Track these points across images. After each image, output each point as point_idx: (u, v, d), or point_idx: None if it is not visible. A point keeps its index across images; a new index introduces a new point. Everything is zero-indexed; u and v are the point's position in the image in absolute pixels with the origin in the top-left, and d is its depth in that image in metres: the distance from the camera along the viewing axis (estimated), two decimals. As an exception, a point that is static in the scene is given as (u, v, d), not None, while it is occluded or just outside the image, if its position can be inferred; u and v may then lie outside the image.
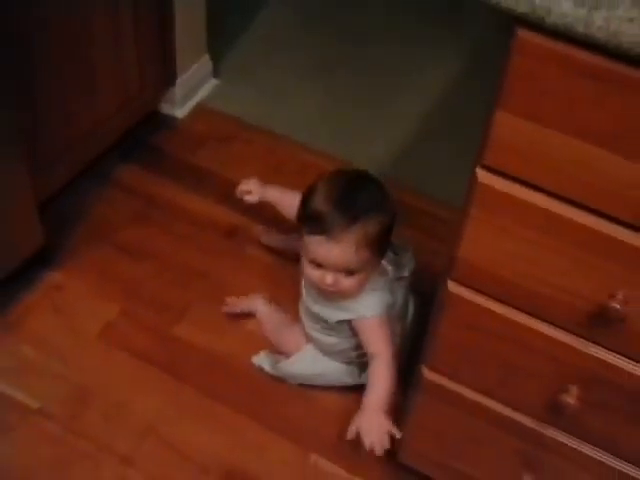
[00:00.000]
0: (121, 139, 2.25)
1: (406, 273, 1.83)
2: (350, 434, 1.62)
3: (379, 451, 1.59)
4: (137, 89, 2.21)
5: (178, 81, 2.37)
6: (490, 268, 1.23)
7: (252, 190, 1.92)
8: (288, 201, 1.84)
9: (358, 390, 1.86)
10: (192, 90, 2.46)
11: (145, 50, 2.18)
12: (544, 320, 1.25)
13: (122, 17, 2.05)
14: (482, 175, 1.14)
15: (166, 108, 2.43)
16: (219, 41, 2.55)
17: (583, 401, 1.29)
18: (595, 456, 1.37)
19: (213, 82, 2.54)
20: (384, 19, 2.90)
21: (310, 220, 1.62)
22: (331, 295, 1.69)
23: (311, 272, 1.66)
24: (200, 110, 2.49)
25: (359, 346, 1.78)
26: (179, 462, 1.75)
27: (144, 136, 2.37)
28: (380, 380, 1.68)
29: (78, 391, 1.84)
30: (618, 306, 1.13)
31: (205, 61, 2.48)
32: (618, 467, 1.37)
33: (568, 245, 1.14)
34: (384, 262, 1.74)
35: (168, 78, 2.34)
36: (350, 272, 1.62)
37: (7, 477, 1.71)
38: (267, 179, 2.06)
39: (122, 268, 2.07)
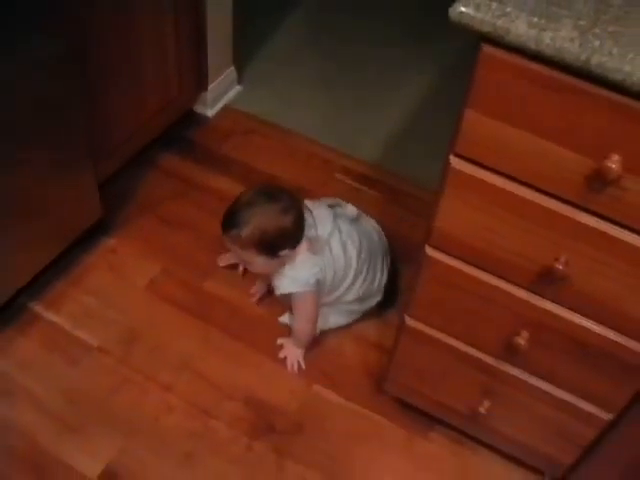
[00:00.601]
0: (163, 133, 2.25)
1: (352, 216, 1.84)
2: (281, 354, 1.84)
3: (293, 370, 1.81)
4: (177, 93, 2.20)
5: (209, 87, 2.36)
6: (460, 236, 1.23)
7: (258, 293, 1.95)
8: None
9: (353, 332, 1.90)
10: (220, 94, 2.45)
11: (184, 62, 2.16)
12: (502, 278, 1.25)
13: (166, 37, 2.04)
14: (454, 161, 1.14)
15: (199, 108, 2.42)
16: (242, 54, 2.53)
17: (532, 343, 1.29)
18: (540, 386, 1.38)
19: (237, 88, 2.52)
20: (385, 31, 2.87)
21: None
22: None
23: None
24: (227, 110, 2.47)
25: (349, 301, 1.83)
26: (209, 390, 1.76)
27: (181, 131, 2.36)
28: (295, 331, 1.82)
29: (128, 333, 1.86)
30: (561, 267, 1.15)
31: (231, 71, 2.47)
32: (557, 394, 1.37)
33: (522, 219, 1.14)
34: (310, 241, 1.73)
35: (201, 84, 2.33)
36: (243, 261, 1.78)
37: (76, 399, 1.73)
38: (281, 165, 2.08)
39: (163, 236, 2.07)
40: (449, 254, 1.28)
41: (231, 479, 1.62)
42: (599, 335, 1.22)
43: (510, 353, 1.35)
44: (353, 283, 1.79)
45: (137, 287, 1.96)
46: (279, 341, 1.85)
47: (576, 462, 1.50)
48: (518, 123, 1.04)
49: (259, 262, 1.69)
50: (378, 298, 1.89)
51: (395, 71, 2.64)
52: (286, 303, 1.83)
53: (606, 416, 1.36)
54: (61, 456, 1.63)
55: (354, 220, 1.84)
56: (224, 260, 1.98)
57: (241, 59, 2.53)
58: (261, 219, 1.63)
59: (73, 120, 1.73)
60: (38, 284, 1.90)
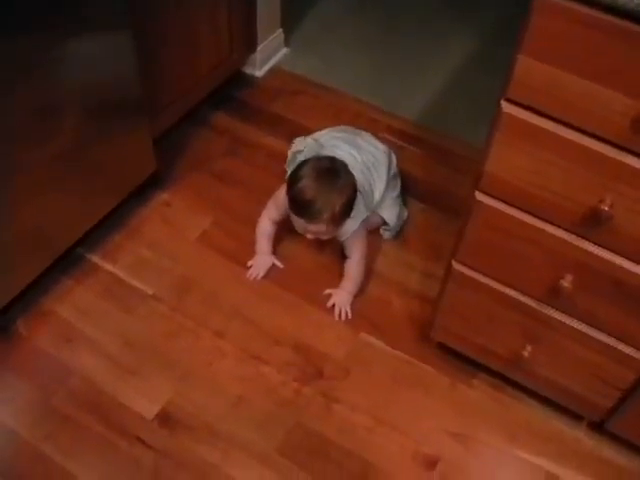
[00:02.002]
0: (214, 92, 2.32)
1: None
2: (329, 304, 1.91)
3: (341, 317, 1.89)
4: (227, 54, 2.27)
5: (258, 49, 2.44)
6: (509, 180, 1.27)
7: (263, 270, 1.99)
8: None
9: (398, 284, 1.97)
10: (268, 56, 2.52)
11: (234, 25, 2.23)
12: (548, 221, 1.29)
13: (219, 5, 2.13)
14: (505, 106, 1.18)
15: (248, 69, 2.50)
16: (289, 18, 2.59)
17: (575, 286, 1.34)
18: (581, 329, 1.42)
19: (284, 50, 2.59)
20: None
21: (294, 205, 1.77)
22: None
23: (298, 228, 1.86)
24: (275, 71, 2.54)
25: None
26: (259, 336, 1.85)
27: (232, 91, 2.43)
28: (351, 275, 1.91)
29: (182, 281, 1.94)
30: (606, 208, 1.19)
31: (279, 33, 2.54)
32: (597, 337, 1.42)
33: (569, 162, 1.18)
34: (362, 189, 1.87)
35: (251, 46, 2.40)
36: (319, 235, 1.84)
37: (132, 344, 1.82)
38: (327, 124, 2.13)
39: (215, 190, 2.15)
40: (498, 198, 1.32)
41: (280, 421, 1.70)
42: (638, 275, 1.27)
43: (554, 296, 1.40)
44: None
45: (190, 239, 2.04)
46: (327, 291, 1.93)
47: (615, 406, 1.56)
48: (569, 67, 1.07)
49: (336, 230, 1.81)
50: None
51: (440, 37, 2.69)
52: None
53: (646, 359, 1.41)
54: (120, 398, 1.73)
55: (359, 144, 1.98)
56: (257, 267, 1.99)
57: (289, 22, 2.59)
58: (342, 193, 1.75)
59: (129, 77, 1.80)
60: (95, 236, 1.99)
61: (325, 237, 1.85)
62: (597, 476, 1.65)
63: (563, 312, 1.43)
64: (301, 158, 1.89)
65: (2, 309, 1.77)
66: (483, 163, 1.29)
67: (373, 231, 2.04)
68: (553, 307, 1.44)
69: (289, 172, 1.88)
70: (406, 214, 2.08)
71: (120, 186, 1.97)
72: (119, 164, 1.91)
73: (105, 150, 1.84)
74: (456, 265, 1.51)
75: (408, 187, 2.17)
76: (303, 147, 1.97)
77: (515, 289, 1.46)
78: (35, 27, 1.48)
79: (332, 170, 1.77)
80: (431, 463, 1.66)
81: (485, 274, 1.48)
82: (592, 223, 1.24)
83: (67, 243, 1.87)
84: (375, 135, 2.09)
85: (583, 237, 1.28)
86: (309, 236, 1.84)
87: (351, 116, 2.32)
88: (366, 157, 1.93)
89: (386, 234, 2.05)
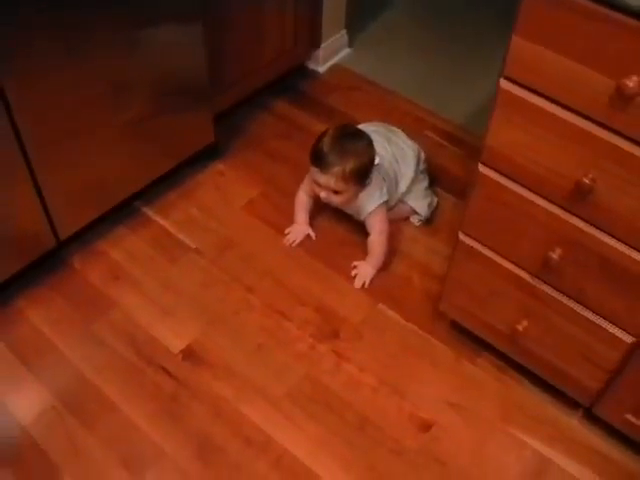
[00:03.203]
0: (275, 80, 2.57)
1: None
2: (353, 273, 2.10)
3: (356, 285, 2.08)
4: (292, 46, 2.51)
5: (322, 46, 2.67)
6: (506, 153, 1.42)
7: (299, 238, 2.20)
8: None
9: (420, 265, 2.14)
10: (331, 54, 2.76)
11: (300, 22, 2.48)
12: (540, 195, 1.43)
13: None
14: (503, 83, 1.34)
15: (311, 64, 2.74)
16: (355, 20, 2.84)
17: (564, 259, 1.47)
18: (570, 305, 1.55)
19: (347, 50, 2.82)
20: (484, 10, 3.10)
21: (313, 155, 1.98)
22: (333, 205, 2.11)
23: (315, 187, 2.03)
24: (335, 68, 2.78)
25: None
26: (285, 295, 2.04)
27: (292, 81, 2.67)
28: (372, 251, 2.09)
29: (223, 241, 2.16)
30: (587, 181, 1.33)
31: (342, 34, 2.77)
32: (585, 315, 1.54)
33: (557, 137, 1.32)
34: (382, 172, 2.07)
35: (315, 43, 2.64)
36: (335, 192, 1.98)
37: (170, 289, 2.05)
38: (376, 119, 2.32)
39: (265, 166, 2.38)
40: (497, 171, 1.47)
41: (292, 371, 1.88)
42: (623, 254, 1.38)
43: (545, 270, 1.53)
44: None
45: (237, 205, 2.27)
46: (354, 263, 2.11)
47: (602, 389, 1.67)
48: (556, 47, 1.22)
49: (351, 193, 2.00)
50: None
51: (492, 47, 2.82)
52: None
53: (629, 339, 1.51)
54: (152, 332, 1.95)
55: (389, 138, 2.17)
56: (294, 235, 2.19)
57: (353, 25, 2.83)
58: (357, 155, 1.94)
59: (197, 58, 2.05)
60: (152, 192, 2.24)
61: (335, 200, 2.01)
62: (585, 463, 1.75)
63: (554, 287, 1.56)
64: None
65: (61, 243, 2.01)
66: (485, 137, 1.45)
67: (404, 219, 2.23)
68: (545, 282, 1.57)
69: None
70: (435, 202, 2.26)
71: (179, 151, 2.21)
72: (180, 132, 2.16)
73: (169, 119, 2.08)
74: (462, 237, 1.66)
75: (444, 182, 2.34)
76: None
77: (512, 262, 1.60)
78: (115, 10, 1.76)
79: (354, 135, 2.00)
80: (426, 426, 1.80)
81: (486, 246, 1.63)
82: (577, 197, 1.37)
83: (126, 194, 2.12)
84: (419, 133, 2.27)
85: (570, 212, 1.41)
86: (322, 194, 2.01)
87: (400, 114, 2.51)
88: (395, 150, 2.12)
89: (416, 221, 2.23)
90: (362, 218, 2.08)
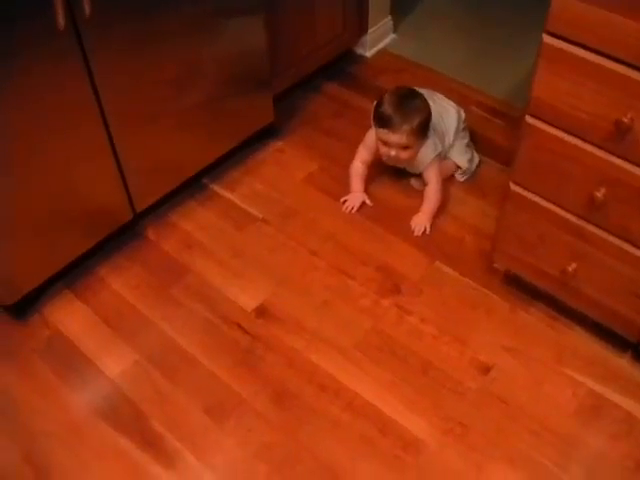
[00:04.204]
0: (327, 65, 2.84)
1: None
2: (411, 223, 2.35)
3: (417, 233, 2.33)
4: (341, 32, 2.76)
5: (369, 32, 2.93)
6: (551, 102, 1.63)
7: (357, 205, 2.43)
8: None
9: (473, 226, 2.37)
10: (377, 39, 3.02)
11: (348, 9, 2.74)
12: (583, 139, 1.63)
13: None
14: (546, 37, 1.55)
15: (359, 50, 3.00)
16: (399, 7, 3.13)
17: (608, 198, 1.66)
18: (617, 244, 1.74)
19: (392, 35, 3.09)
20: None
21: (380, 120, 2.26)
22: (399, 163, 2.37)
23: (381, 148, 2.30)
24: (382, 53, 3.04)
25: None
26: (348, 257, 2.28)
27: (342, 65, 2.95)
28: (430, 198, 2.36)
29: (287, 210, 2.42)
30: (626, 120, 1.52)
31: (388, 20, 3.03)
32: (630, 251, 1.73)
33: (598, 83, 1.52)
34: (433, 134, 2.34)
35: (362, 28, 2.89)
36: (404, 148, 2.25)
37: (240, 254, 2.30)
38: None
39: (323, 143, 2.64)
40: (543, 120, 1.68)
41: (358, 324, 2.11)
42: None
43: (590, 211, 1.73)
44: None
45: (297, 178, 2.53)
46: (411, 221, 2.36)
47: (650, 323, 1.87)
48: (594, 0, 1.45)
49: (418, 146, 2.28)
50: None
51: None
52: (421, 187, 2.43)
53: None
54: (226, 293, 2.19)
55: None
56: (352, 202, 2.43)
57: (398, 11, 3.11)
58: (419, 110, 2.25)
59: (258, 44, 2.31)
60: (219, 170, 2.51)
61: (404, 155, 2.27)
62: (637, 399, 1.93)
63: (599, 227, 1.75)
64: None
65: (137, 215, 2.27)
66: (531, 89, 1.67)
67: (450, 178, 2.48)
68: (591, 222, 1.76)
69: None
70: (477, 158, 2.51)
71: (242, 130, 2.47)
72: (243, 113, 2.42)
73: (233, 101, 2.35)
74: (512, 186, 1.87)
75: (489, 151, 2.59)
76: None
77: (559, 206, 1.80)
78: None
79: (411, 94, 2.28)
80: (485, 369, 2.01)
81: (535, 192, 1.83)
82: (617, 137, 1.57)
83: (195, 170, 2.38)
84: (465, 108, 2.52)
85: (611, 152, 1.61)
86: (392, 153, 2.26)
87: (445, 91, 2.69)
88: (439, 107, 2.39)
89: (460, 177, 2.49)
90: (420, 170, 2.35)
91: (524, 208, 1.88)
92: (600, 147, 1.64)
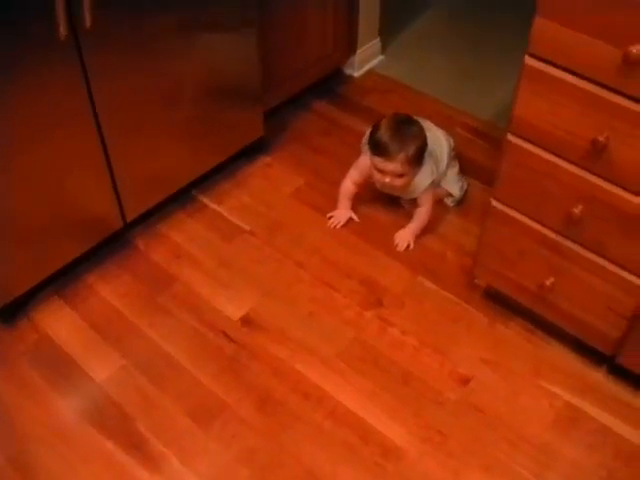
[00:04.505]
0: (316, 83, 2.93)
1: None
2: (395, 241, 2.43)
3: (400, 248, 2.41)
4: (331, 51, 2.86)
5: (358, 52, 3.03)
6: (532, 121, 1.71)
7: (342, 221, 2.52)
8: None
9: (455, 243, 2.46)
10: (365, 60, 3.12)
11: (339, 28, 2.84)
12: (561, 157, 1.72)
13: (327, 6, 2.73)
14: (527, 59, 1.64)
15: (347, 70, 3.10)
16: (387, 29, 3.22)
17: (585, 214, 1.75)
18: (593, 259, 1.82)
19: (380, 57, 3.19)
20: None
21: (375, 147, 2.29)
22: (392, 190, 2.43)
23: (376, 175, 2.34)
24: (369, 73, 3.15)
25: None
26: (332, 270, 2.35)
27: (331, 84, 3.05)
28: (420, 219, 2.43)
29: (274, 224, 2.49)
30: (602, 139, 1.61)
31: (376, 41, 3.13)
32: (605, 266, 1.81)
33: (577, 103, 1.61)
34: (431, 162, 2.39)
35: (351, 49, 3.00)
36: (399, 175, 2.29)
37: (227, 265, 2.37)
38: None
39: (310, 159, 2.73)
40: (524, 138, 1.77)
41: (342, 334, 2.18)
42: (636, 205, 1.66)
43: (568, 227, 1.81)
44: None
45: (285, 193, 2.61)
46: (395, 235, 2.45)
47: (623, 336, 1.95)
48: (571, 24, 1.52)
49: (413, 174, 2.32)
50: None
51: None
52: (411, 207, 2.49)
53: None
54: (212, 303, 2.26)
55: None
56: (338, 218, 2.52)
57: (386, 32, 3.21)
58: (415, 138, 2.28)
59: (252, 57, 2.40)
60: (208, 183, 2.59)
61: (398, 182, 2.31)
62: (614, 412, 2.01)
63: (576, 242, 1.84)
64: None
65: (127, 225, 2.34)
66: (513, 108, 1.76)
67: (439, 201, 2.54)
68: (568, 238, 1.84)
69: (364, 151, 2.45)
70: (466, 185, 2.58)
71: (232, 144, 2.55)
72: (234, 127, 2.50)
73: (225, 115, 2.43)
74: (494, 202, 1.95)
75: (473, 171, 2.67)
76: None
77: (538, 222, 1.88)
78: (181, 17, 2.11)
79: (407, 121, 2.32)
80: (464, 381, 2.08)
81: (515, 209, 1.91)
82: (594, 155, 1.65)
83: (185, 182, 2.45)
84: (450, 130, 2.62)
85: (588, 170, 1.70)
86: (387, 180, 2.30)
87: (431, 112, 2.80)
88: (430, 135, 2.42)
89: (450, 203, 2.55)
90: (414, 197, 2.40)
91: (504, 223, 1.97)
92: (577, 165, 1.72)
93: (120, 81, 2.04)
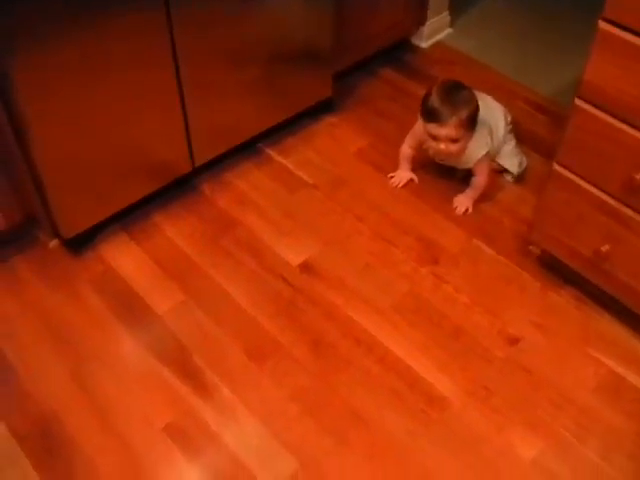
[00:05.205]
0: (385, 51, 3.05)
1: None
2: (454, 202, 2.53)
3: (459, 212, 2.51)
4: (401, 20, 2.95)
5: (427, 23, 3.13)
6: (601, 86, 1.77)
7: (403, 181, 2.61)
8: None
9: (511, 210, 2.54)
10: (434, 31, 3.21)
11: (410, 1, 2.94)
12: (628, 122, 1.78)
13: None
14: (602, 24, 1.71)
15: (416, 40, 3.20)
16: (455, 5, 3.33)
17: None
18: None
19: (448, 30, 3.28)
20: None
21: (428, 114, 2.35)
22: (448, 158, 2.49)
23: (431, 143, 2.40)
24: (437, 45, 3.25)
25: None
26: (392, 226, 2.45)
27: (399, 53, 3.16)
28: (477, 187, 2.51)
29: (337, 179, 2.60)
30: None
31: (445, 15, 3.24)
32: None
33: None
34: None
35: (420, 20, 3.10)
36: (453, 141, 2.35)
37: (290, 214, 2.49)
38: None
39: (375, 122, 2.83)
40: (591, 103, 1.83)
41: (397, 287, 2.27)
42: None
43: (629, 193, 1.87)
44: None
45: (349, 151, 2.72)
46: (454, 199, 2.53)
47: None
48: None
49: (467, 139, 2.38)
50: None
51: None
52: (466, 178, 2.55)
53: None
54: (273, 248, 2.37)
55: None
56: (399, 178, 2.62)
57: (456, 8, 3.31)
58: (466, 102, 2.34)
59: (326, 19, 2.51)
60: (275, 137, 2.71)
61: (453, 148, 2.37)
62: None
63: (636, 210, 1.89)
64: None
65: (195, 169, 2.46)
66: (583, 74, 1.83)
67: (496, 173, 2.62)
68: (628, 205, 1.90)
69: None
70: (525, 162, 2.63)
71: (301, 102, 2.66)
72: (303, 85, 2.62)
73: (296, 73, 2.55)
74: (556, 167, 2.02)
75: (533, 144, 2.75)
76: None
77: (598, 187, 1.94)
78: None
79: (457, 86, 2.38)
80: (513, 340, 2.16)
81: (576, 173, 1.97)
82: None
83: (251, 134, 2.58)
84: (512, 103, 2.71)
85: None
86: (442, 146, 2.37)
87: (494, 85, 2.90)
88: (487, 106, 2.49)
89: (510, 179, 2.62)
90: (469, 166, 2.47)
91: (565, 188, 2.03)
92: (644, 131, 1.79)
93: (201, 33, 2.15)
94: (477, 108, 2.37)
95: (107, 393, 2.02)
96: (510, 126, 2.61)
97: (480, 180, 2.49)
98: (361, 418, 1.98)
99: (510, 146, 2.59)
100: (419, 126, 2.47)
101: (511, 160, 2.59)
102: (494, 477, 1.87)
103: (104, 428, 1.95)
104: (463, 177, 2.58)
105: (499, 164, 2.59)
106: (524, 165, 2.63)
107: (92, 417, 1.97)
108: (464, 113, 2.31)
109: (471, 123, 2.36)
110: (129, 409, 1.99)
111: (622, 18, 1.69)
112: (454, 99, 2.32)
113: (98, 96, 2.03)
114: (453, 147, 2.38)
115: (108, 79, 2.02)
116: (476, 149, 2.42)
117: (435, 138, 2.37)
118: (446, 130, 2.33)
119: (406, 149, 2.58)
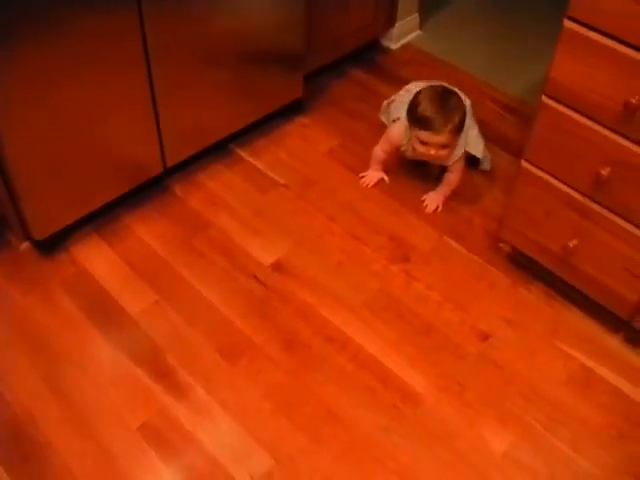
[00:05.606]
0: (354, 52, 3.08)
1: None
2: (424, 203, 2.56)
3: (429, 210, 2.54)
4: (371, 22, 2.99)
5: (396, 25, 3.17)
6: (567, 84, 1.81)
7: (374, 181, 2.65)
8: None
9: (481, 208, 2.57)
10: (403, 33, 3.26)
11: (380, 2, 2.98)
12: (593, 119, 1.82)
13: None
14: (567, 23, 1.75)
15: (385, 42, 3.24)
16: (426, 5, 3.39)
17: (614, 177, 1.84)
18: (617, 222, 1.92)
19: (417, 32, 3.33)
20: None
21: (419, 121, 2.35)
22: (432, 160, 2.51)
23: (420, 148, 2.41)
24: (407, 46, 3.29)
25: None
26: (362, 225, 2.48)
27: (369, 54, 3.20)
28: (450, 184, 2.55)
29: (308, 179, 2.63)
30: (634, 102, 1.70)
31: (415, 16, 3.28)
32: (630, 230, 1.90)
33: (612, 66, 1.71)
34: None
35: (390, 22, 3.14)
36: (444, 147, 2.38)
37: (261, 214, 2.50)
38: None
39: (345, 122, 2.87)
40: (558, 101, 1.87)
41: (368, 285, 2.30)
42: None
43: (595, 189, 1.92)
44: None
45: (319, 151, 2.75)
46: (424, 196, 2.57)
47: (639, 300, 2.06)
48: None
49: (455, 144, 2.41)
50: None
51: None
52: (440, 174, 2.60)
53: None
54: (245, 248, 2.38)
55: None
56: (370, 178, 2.65)
57: (425, 9, 3.36)
58: (457, 108, 2.37)
59: (298, 21, 2.54)
60: (246, 138, 2.73)
61: (443, 153, 2.39)
62: (625, 376, 2.11)
63: (602, 205, 1.94)
64: (393, 106, 2.57)
65: (166, 170, 2.47)
66: (549, 71, 1.87)
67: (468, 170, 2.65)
68: (595, 200, 1.94)
69: (384, 119, 2.64)
70: (488, 155, 2.67)
71: (271, 102, 2.68)
72: (274, 86, 2.64)
73: (266, 74, 2.57)
74: (524, 164, 2.06)
75: (501, 144, 2.80)
76: (394, 97, 2.62)
77: (566, 184, 1.98)
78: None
79: (446, 91, 2.41)
80: (484, 336, 2.19)
81: (544, 170, 2.01)
82: (625, 118, 1.76)
83: (222, 135, 2.59)
84: (481, 103, 2.76)
85: (619, 133, 1.79)
86: (432, 152, 2.38)
87: (463, 86, 2.81)
88: None
89: (487, 166, 2.67)
90: (449, 164, 2.50)
91: (533, 184, 2.07)
92: (609, 128, 1.82)
93: (173, 34, 2.17)
94: (465, 112, 2.40)
95: (81, 395, 2.02)
96: (471, 111, 2.62)
97: (454, 177, 2.53)
98: (335, 415, 2.00)
99: (475, 131, 2.60)
100: (396, 131, 2.49)
101: (476, 145, 2.60)
102: (468, 471, 1.90)
103: (78, 430, 1.95)
104: (438, 173, 2.61)
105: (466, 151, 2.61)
106: (488, 155, 2.67)
107: (66, 420, 1.97)
108: (457, 120, 2.34)
109: (461, 128, 2.39)
110: (103, 410, 1.99)
111: (586, 17, 1.73)
112: (447, 107, 2.34)
113: (69, 97, 2.03)
114: (443, 152, 2.40)
115: (79, 80, 2.02)
116: (457, 148, 2.46)
117: (426, 144, 2.38)
118: (439, 138, 2.34)
119: (379, 152, 2.59)
